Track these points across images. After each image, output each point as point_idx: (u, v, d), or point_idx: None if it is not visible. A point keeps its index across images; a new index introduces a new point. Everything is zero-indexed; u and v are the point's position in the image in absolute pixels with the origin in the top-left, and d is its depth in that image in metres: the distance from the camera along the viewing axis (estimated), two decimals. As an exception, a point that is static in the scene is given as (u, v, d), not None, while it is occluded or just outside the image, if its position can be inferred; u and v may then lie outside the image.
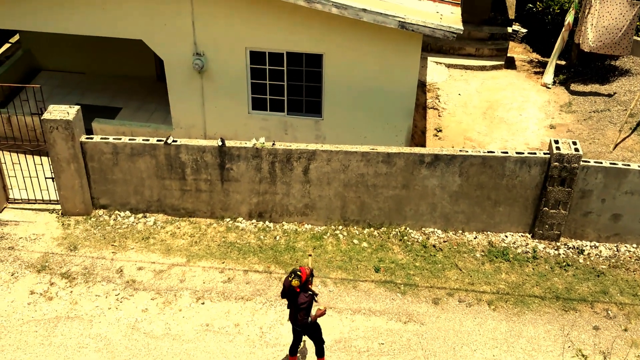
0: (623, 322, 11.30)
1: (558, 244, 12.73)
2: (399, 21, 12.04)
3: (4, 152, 13.47)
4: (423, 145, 15.10)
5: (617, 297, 11.73)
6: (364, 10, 12.06)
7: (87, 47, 16.67)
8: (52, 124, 12.06)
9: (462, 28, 12.13)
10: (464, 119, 16.20)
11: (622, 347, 10.87)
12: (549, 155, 11.99)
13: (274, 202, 12.83)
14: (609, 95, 16.49)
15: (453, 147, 14.98)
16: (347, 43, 12.94)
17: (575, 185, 12.13)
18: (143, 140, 12.40)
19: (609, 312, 11.48)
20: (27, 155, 13.50)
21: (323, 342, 10.03)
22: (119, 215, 13.11)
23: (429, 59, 18.50)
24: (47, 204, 13.30)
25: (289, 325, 10.65)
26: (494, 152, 12.12)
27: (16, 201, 13.33)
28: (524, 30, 20.00)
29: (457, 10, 12.89)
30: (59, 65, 17.24)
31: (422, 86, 17.26)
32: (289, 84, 13.72)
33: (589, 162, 12.01)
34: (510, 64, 18.71)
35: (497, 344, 10.86)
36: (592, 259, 12.49)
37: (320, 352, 10.04)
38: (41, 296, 11.42)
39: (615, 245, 12.74)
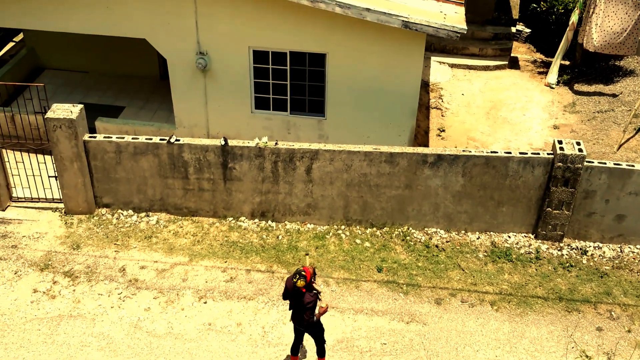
0: (626, 324, 11.27)
1: (561, 244, 12.70)
2: (403, 21, 12.02)
3: (8, 150, 13.49)
4: (426, 145, 15.08)
5: (620, 298, 11.69)
6: (368, 9, 12.04)
7: (90, 46, 16.69)
8: (56, 123, 12.08)
9: (466, 28, 12.10)
10: (467, 119, 16.17)
11: (626, 348, 10.84)
12: (552, 156, 11.96)
13: (276, 201, 12.83)
14: (613, 96, 16.44)
15: (456, 147, 14.95)
16: (351, 42, 12.93)
17: (579, 185, 12.10)
18: (146, 139, 12.41)
19: (613, 313, 11.45)
20: (30, 154, 13.53)
21: (324, 341, 10.03)
22: (122, 214, 13.12)
23: (433, 58, 18.47)
24: (50, 202, 13.33)
25: (291, 325, 10.65)
26: (497, 152, 12.10)
27: (19, 200, 13.36)
28: (528, 30, 19.95)
29: (461, 10, 12.86)
30: (63, 64, 17.26)
31: (425, 86, 17.23)
32: (292, 83, 13.71)
33: (592, 162, 11.98)
34: (513, 64, 18.67)
35: (499, 345, 10.84)
36: (595, 259, 12.46)
37: (321, 351, 10.04)
38: (44, 294, 11.44)
39: (619, 246, 12.70)
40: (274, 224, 12.99)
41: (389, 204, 12.66)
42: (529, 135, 15.52)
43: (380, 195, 12.56)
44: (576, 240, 12.79)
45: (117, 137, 12.43)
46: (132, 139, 12.39)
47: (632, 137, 14.97)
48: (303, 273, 9.12)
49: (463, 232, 12.90)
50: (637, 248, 12.64)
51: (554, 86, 17.37)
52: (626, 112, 15.69)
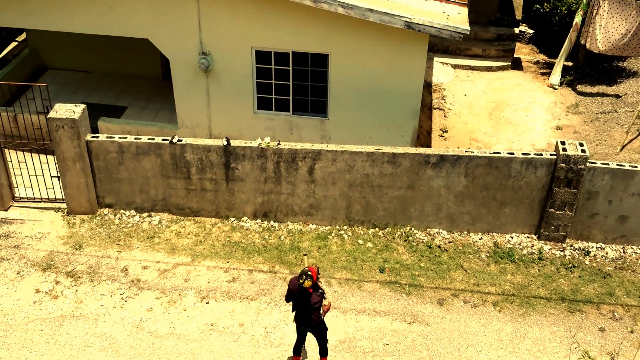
0: (629, 324, 11.24)
1: (564, 245, 12.68)
2: (406, 21, 12.01)
3: (10, 150, 13.49)
4: (429, 145, 15.07)
5: (623, 299, 11.67)
6: (370, 10, 12.03)
7: (93, 46, 16.70)
8: (58, 123, 12.09)
9: (469, 28, 12.09)
10: (470, 120, 16.16)
11: (629, 349, 10.82)
12: (555, 157, 11.94)
13: (278, 201, 12.83)
14: (617, 97, 16.41)
15: (459, 147, 14.94)
16: (353, 43, 12.92)
17: (582, 186, 12.08)
18: (148, 139, 12.41)
19: (615, 313, 11.43)
20: (33, 154, 13.53)
21: (327, 341, 10.01)
22: (124, 214, 13.12)
23: (435, 59, 18.46)
24: (52, 202, 13.33)
25: (294, 325, 10.64)
26: (500, 153, 12.08)
27: (22, 200, 13.36)
28: (531, 31, 19.94)
29: (464, 11, 12.85)
30: (66, 64, 17.28)
31: (428, 87, 17.22)
32: (294, 83, 13.71)
33: (595, 163, 11.96)
34: (516, 64, 18.66)
35: (502, 345, 10.82)
36: (598, 260, 12.44)
37: (323, 351, 10.03)
38: (46, 295, 11.44)
39: (622, 247, 12.68)
40: (276, 225, 12.99)
41: (392, 204, 12.65)
42: (531, 136, 15.51)
43: (382, 195, 12.55)
44: (579, 241, 12.77)
45: (119, 137, 12.43)
46: (135, 139, 12.39)
47: (635, 138, 14.94)
48: (309, 273, 9.07)
49: (465, 232, 12.88)
50: (639, 249, 12.64)
51: (556, 87, 17.35)
52: (629, 113, 15.67)
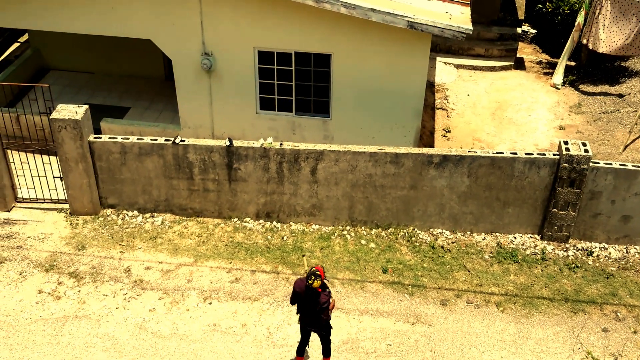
0: (633, 325, 11.22)
1: (567, 245, 12.66)
2: (408, 21, 11.99)
3: (13, 151, 13.51)
4: (431, 145, 15.06)
5: (626, 299, 11.65)
6: (373, 10, 12.02)
7: (96, 47, 16.71)
8: (61, 124, 12.09)
9: (472, 28, 12.07)
10: (472, 120, 16.14)
11: (632, 349, 10.79)
12: (558, 157, 11.92)
13: (281, 202, 12.82)
14: (619, 96, 16.39)
15: (462, 147, 14.93)
16: (356, 43, 12.91)
17: (585, 186, 12.06)
18: (151, 140, 12.42)
19: (618, 314, 11.40)
20: (35, 155, 13.54)
21: (331, 341, 10.00)
22: (127, 214, 13.12)
23: (438, 59, 18.44)
24: (55, 203, 13.34)
25: (296, 326, 10.64)
26: (502, 153, 12.07)
27: (25, 200, 13.37)
28: (534, 31, 19.91)
29: (467, 11, 12.83)
30: (68, 64, 17.29)
31: (430, 86, 17.20)
32: (297, 84, 13.70)
33: (598, 163, 11.94)
34: (519, 64, 18.63)
35: (505, 346, 10.81)
36: (601, 260, 12.42)
37: (327, 351, 10.01)
38: (49, 295, 11.44)
39: (625, 247, 12.66)
40: (279, 225, 12.98)
41: (394, 204, 12.64)
42: (534, 136, 15.48)
43: (385, 196, 12.54)
44: (582, 241, 12.75)
45: (122, 138, 12.43)
46: (137, 139, 12.39)
47: (637, 137, 14.91)
48: (318, 273, 9.01)
49: (469, 233, 12.87)
50: (643, 249, 12.60)
51: (559, 87, 17.32)
52: (632, 112, 15.64)
